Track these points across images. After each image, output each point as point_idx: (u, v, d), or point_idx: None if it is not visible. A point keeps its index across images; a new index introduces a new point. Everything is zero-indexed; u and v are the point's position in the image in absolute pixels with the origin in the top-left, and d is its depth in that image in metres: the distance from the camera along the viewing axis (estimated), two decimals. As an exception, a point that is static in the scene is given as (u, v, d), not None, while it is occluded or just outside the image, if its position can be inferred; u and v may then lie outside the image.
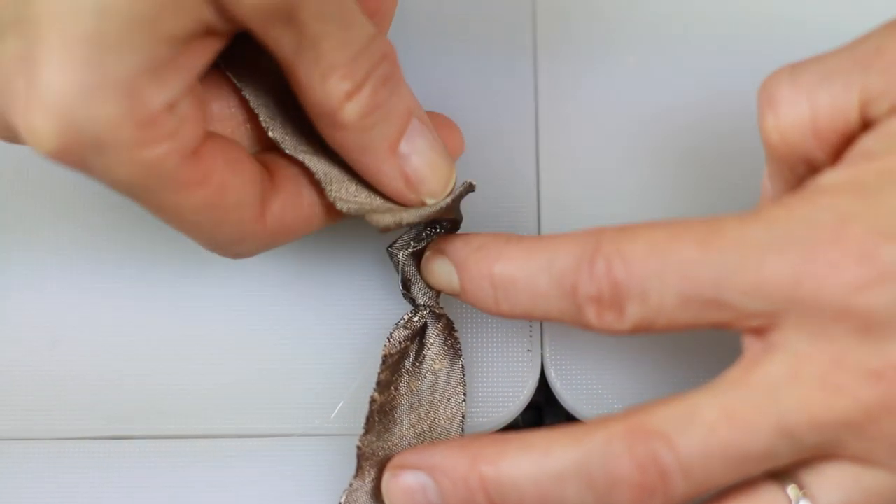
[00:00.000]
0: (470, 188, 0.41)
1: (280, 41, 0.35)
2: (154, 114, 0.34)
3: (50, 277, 0.45)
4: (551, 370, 0.44)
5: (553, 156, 0.46)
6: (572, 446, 0.36)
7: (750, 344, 0.36)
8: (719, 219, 0.35)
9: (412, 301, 0.43)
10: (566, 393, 0.44)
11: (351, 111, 0.37)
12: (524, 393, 0.44)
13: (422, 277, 0.42)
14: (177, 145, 0.35)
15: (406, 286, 0.42)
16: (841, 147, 0.36)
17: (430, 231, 0.42)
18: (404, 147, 0.39)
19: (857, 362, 0.34)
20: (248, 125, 0.40)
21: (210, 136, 0.37)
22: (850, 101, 0.36)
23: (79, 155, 0.34)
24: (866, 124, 0.36)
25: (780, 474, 0.36)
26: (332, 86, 0.36)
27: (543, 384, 0.44)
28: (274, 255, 0.45)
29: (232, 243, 0.39)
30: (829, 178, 0.35)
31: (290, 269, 0.45)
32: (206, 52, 0.35)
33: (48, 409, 0.44)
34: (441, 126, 0.42)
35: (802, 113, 0.36)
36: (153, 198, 0.36)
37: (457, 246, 0.40)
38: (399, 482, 0.39)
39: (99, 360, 0.44)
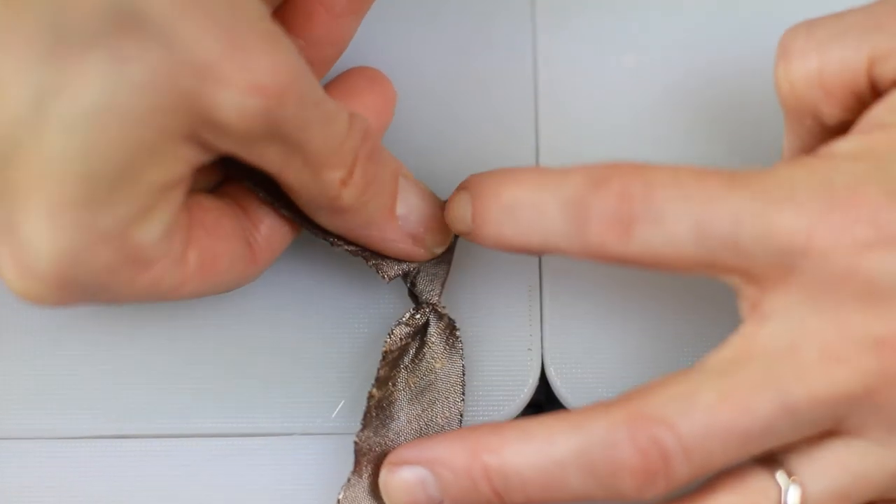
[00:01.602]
0: None
1: (266, 156, 0.35)
2: (146, 250, 0.34)
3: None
4: (551, 369, 0.44)
5: (553, 133, 0.46)
6: (573, 433, 0.36)
7: (747, 317, 0.36)
8: (743, 170, 0.36)
9: (415, 298, 0.43)
10: (566, 391, 0.44)
11: (349, 195, 0.37)
12: (524, 391, 0.44)
13: (445, 216, 0.41)
14: (170, 259, 0.35)
15: (412, 282, 0.43)
16: (847, 103, 0.37)
17: None
18: (401, 209, 0.40)
19: (860, 329, 0.34)
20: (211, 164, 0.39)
21: (189, 215, 0.37)
22: (859, 59, 0.36)
23: (79, 300, 0.35)
24: (873, 83, 0.37)
25: (770, 461, 0.36)
26: (325, 179, 0.37)
27: (544, 382, 0.44)
28: (275, 254, 0.45)
29: (232, 288, 0.39)
30: (844, 145, 0.36)
31: (290, 266, 0.45)
32: (190, 182, 0.36)
33: (48, 408, 0.44)
34: (370, 83, 0.42)
35: (811, 65, 0.37)
36: (158, 299, 0.37)
37: (479, 175, 0.40)
38: (397, 477, 0.39)
39: (98, 359, 0.44)
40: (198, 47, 0.31)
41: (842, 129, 0.39)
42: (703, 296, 0.44)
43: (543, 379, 0.44)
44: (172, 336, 0.44)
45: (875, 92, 0.37)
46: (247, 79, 0.32)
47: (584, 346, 0.44)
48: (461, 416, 0.42)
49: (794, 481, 0.35)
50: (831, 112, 0.38)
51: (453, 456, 0.38)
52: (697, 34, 0.48)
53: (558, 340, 0.44)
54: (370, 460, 0.41)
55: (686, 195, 0.35)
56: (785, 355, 0.35)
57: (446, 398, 0.42)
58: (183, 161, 0.34)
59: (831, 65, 0.37)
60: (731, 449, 0.35)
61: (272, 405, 0.44)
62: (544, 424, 0.37)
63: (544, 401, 0.46)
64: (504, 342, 0.44)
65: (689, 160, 0.46)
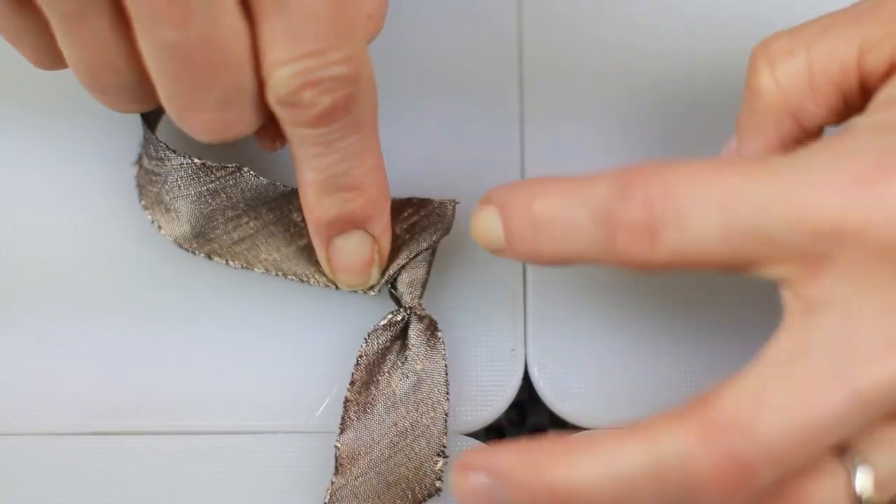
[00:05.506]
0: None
1: None
2: None
3: (38, 274, 0.45)
4: (535, 369, 0.44)
5: (539, 145, 0.47)
6: (644, 449, 0.34)
7: (793, 306, 0.34)
8: (761, 158, 0.35)
9: (397, 301, 0.43)
10: (549, 392, 0.44)
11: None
12: (508, 392, 0.44)
13: (471, 233, 0.40)
14: None
15: (392, 284, 0.43)
16: (832, 101, 0.37)
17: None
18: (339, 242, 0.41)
19: None
20: None
21: None
22: (849, 51, 0.36)
23: None
24: (863, 74, 0.36)
25: (837, 445, 0.35)
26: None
27: (527, 383, 0.45)
28: (260, 253, 0.45)
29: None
30: (863, 120, 0.35)
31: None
32: None
33: (32, 405, 0.44)
34: None
35: (799, 61, 0.37)
36: None
37: (503, 189, 0.38)
38: (468, 483, 0.36)
39: (84, 356, 0.44)
40: None
41: (817, 133, 0.38)
42: (685, 296, 0.45)
43: (527, 379, 0.44)
44: (158, 333, 0.44)
45: (863, 87, 0.37)
46: None
47: (567, 346, 0.44)
48: (447, 415, 0.42)
49: (861, 461, 0.34)
50: (815, 111, 0.37)
51: (516, 469, 0.35)
52: (688, 24, 0.48)
53: (542, 341, 0.45)
54: (354, 462, 0.41)
55: (706, 192, 0.34)
56: (843, 344, 0.33)
57: (431, 399, 0.42)
58: None
59: (820, 57, 0.36)
60: (808, 445, 0.33)
61: (257, 402, 0.44)
62: (611, 438, 0.35)
63: (528, 401, 0.46)
64: (488, 343, 0.45)
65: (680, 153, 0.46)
